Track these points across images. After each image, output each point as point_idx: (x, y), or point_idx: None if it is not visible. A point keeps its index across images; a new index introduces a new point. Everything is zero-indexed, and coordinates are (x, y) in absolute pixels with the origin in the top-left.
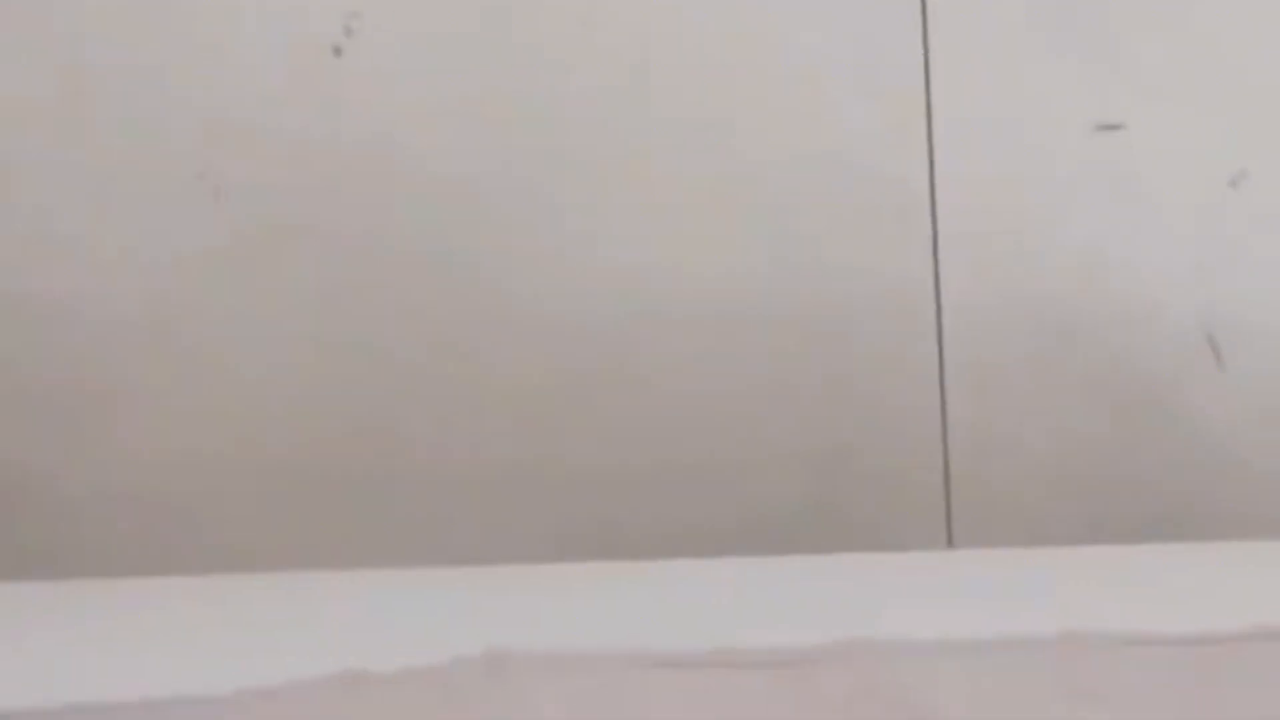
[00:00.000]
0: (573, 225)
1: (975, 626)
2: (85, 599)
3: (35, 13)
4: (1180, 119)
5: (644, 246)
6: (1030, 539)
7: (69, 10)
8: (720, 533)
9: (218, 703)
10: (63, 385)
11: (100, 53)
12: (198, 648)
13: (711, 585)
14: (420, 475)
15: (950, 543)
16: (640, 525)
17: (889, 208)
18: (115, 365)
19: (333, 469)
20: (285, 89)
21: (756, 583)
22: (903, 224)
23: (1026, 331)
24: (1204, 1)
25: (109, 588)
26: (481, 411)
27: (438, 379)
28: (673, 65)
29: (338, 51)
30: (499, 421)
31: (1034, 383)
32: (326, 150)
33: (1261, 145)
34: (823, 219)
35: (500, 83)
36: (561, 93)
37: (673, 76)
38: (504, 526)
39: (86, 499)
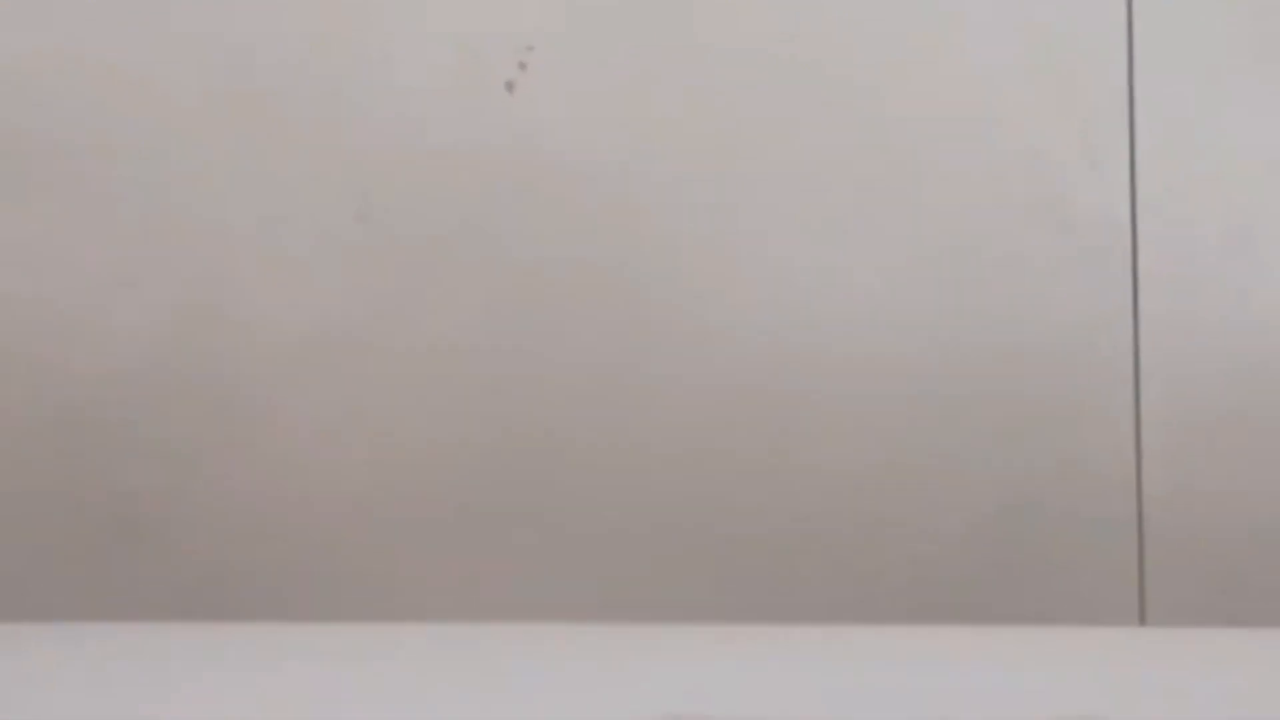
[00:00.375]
0: (743, 260)
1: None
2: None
3: (209, 35)
4: None
5: (816, 280)
6: (1229, 611)
7: (242, 33)
8: (889, 595)
9: None
10: (213, 423)
11: (271, 76)
12: (337, 702)
13: (888, 653)
14: (574, 519)
15: (1143, 618)
16: (806, 585)
17: (1086, 249)
18: (268, 404)
19: (489, 510)
20: (455, 124)
21: (940, 652)
22: (1101, 266)
23: (1229, 383)
24: None
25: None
26: (642, 459)
27: (597, 423)
28: (853, 95)
29: (510, 87)
30: (658, 470)
31: (1237, 439)
32: (491, 189)
33: None
34: (1014, 260)
35: (672, 115)
36: (735, 126)
37: (852, 107)
38: (663, 580)
39: (234, 534)
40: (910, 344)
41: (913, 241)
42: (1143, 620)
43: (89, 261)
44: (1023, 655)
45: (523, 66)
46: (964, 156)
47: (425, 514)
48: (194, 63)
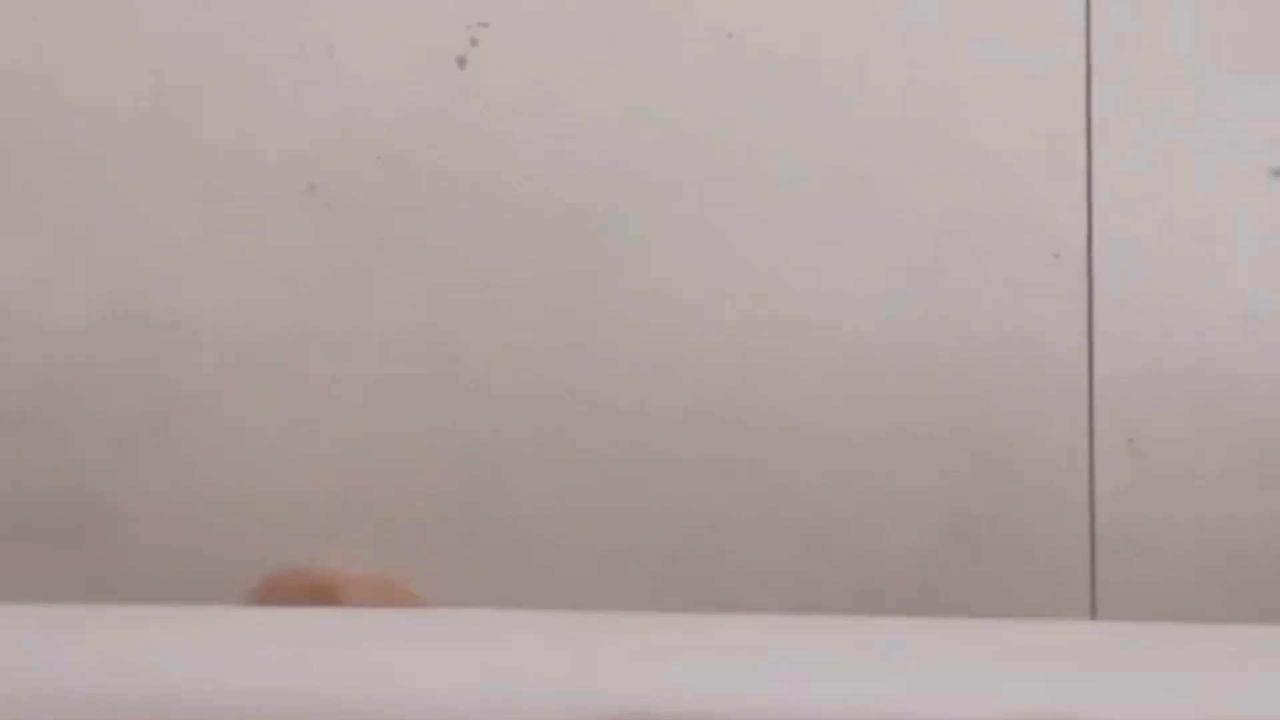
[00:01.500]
0: (701, 257)
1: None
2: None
3: (144, 15)
4: None
5: (776, 280)
6: (1178, 613)
7: (179, 13)
8: (843, 592)
9: None
10: (157, 401)
11: (211, 57)
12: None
13: (856, 644)
14: (525, 511)
15: (1094, 615)
16: (758, 579)
17: (1042, 258)
18: (213, 380)
19: (436, 499)
20: (407, 100)
21: (910, 645)
22: (1057, 276)
23: (1182, 395)
24: None
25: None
26: (593, 450)
27: (549, 410)
28: (816, 94)
29: (461, 63)
30: (611, 462)
31: (1190, 451)
32: (445, 165)
33: None
34: (968, 269)
35: (627, 94)
36: (694, 112)
37: (815, 107)
38: (610, 571)
39: (175, 526)
40: (867, 347)
41: (872, 243)
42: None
43: (23, 252)
44: (978, 649)
45: (474, 43)
46: (925, 161)
47: (377, 507)
48: (131, 48)
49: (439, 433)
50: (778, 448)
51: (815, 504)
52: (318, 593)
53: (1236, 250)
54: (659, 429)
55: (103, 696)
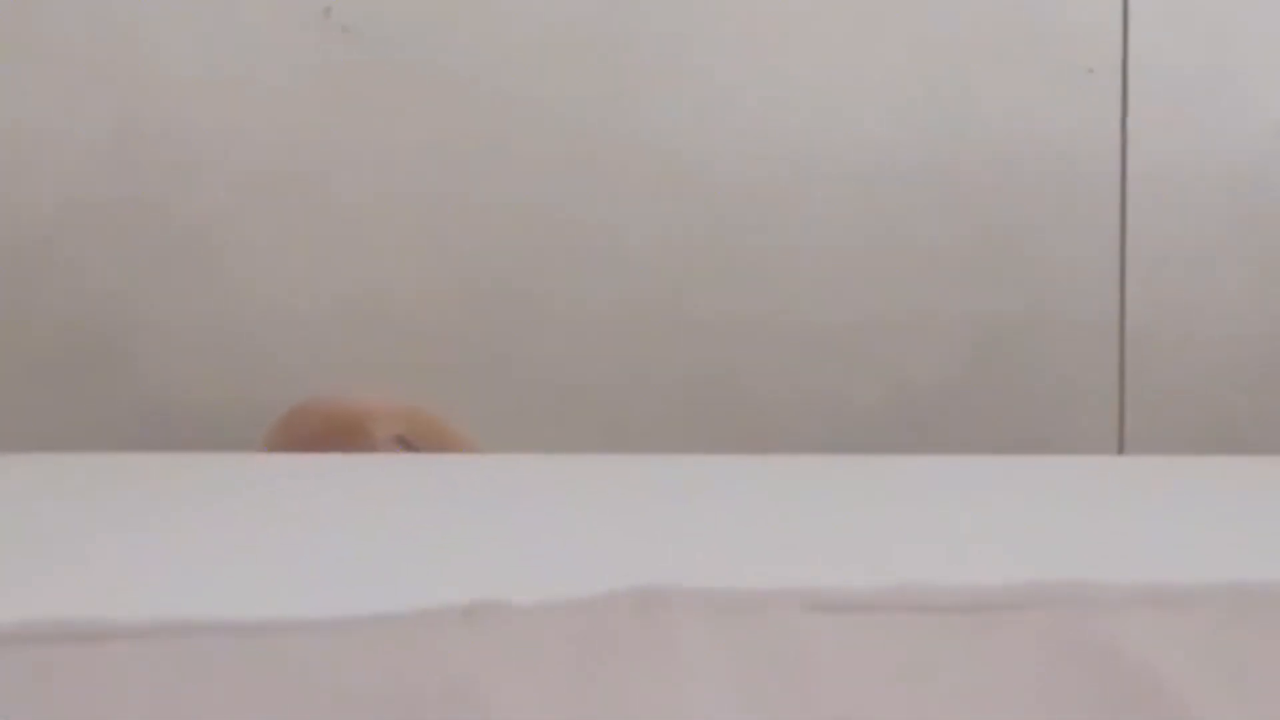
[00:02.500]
0: (718, 68)
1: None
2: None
3: None
4: None
5: (795, 90)
6: (1207, 428)
7: None
8: (865, 403)
9: (333, 631)
10: (174, 216)
11: None
12: (309, 554)
13: (869, 488)
14: (545, 323)
15: (1122, 419)
16: (777, 386)
17: (1076, 59)
18: (227, 197)
19: (450, 317)
20: None
21: (916, 483)
22: (1090, 77)
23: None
24: None
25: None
26: (614, 262)
27: (566, 227)
28: None
29: None
30: (632, 273)
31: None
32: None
33: None
34: (1002, 69)
35: None
36: None
37: None
38: (634, 376)
39: (193, 342)
40: (894, 160)
41: (905, 50)
42: (1121, 446)
43: (37, 83)
44: (1003, 484)
45: None
46: None
47: (383, 353)
48: None
49: (452, 258)
50: (802, 262)
51: (842, 322)
52: (345, 423)
53: (1271, 62)
54: (677, 237)
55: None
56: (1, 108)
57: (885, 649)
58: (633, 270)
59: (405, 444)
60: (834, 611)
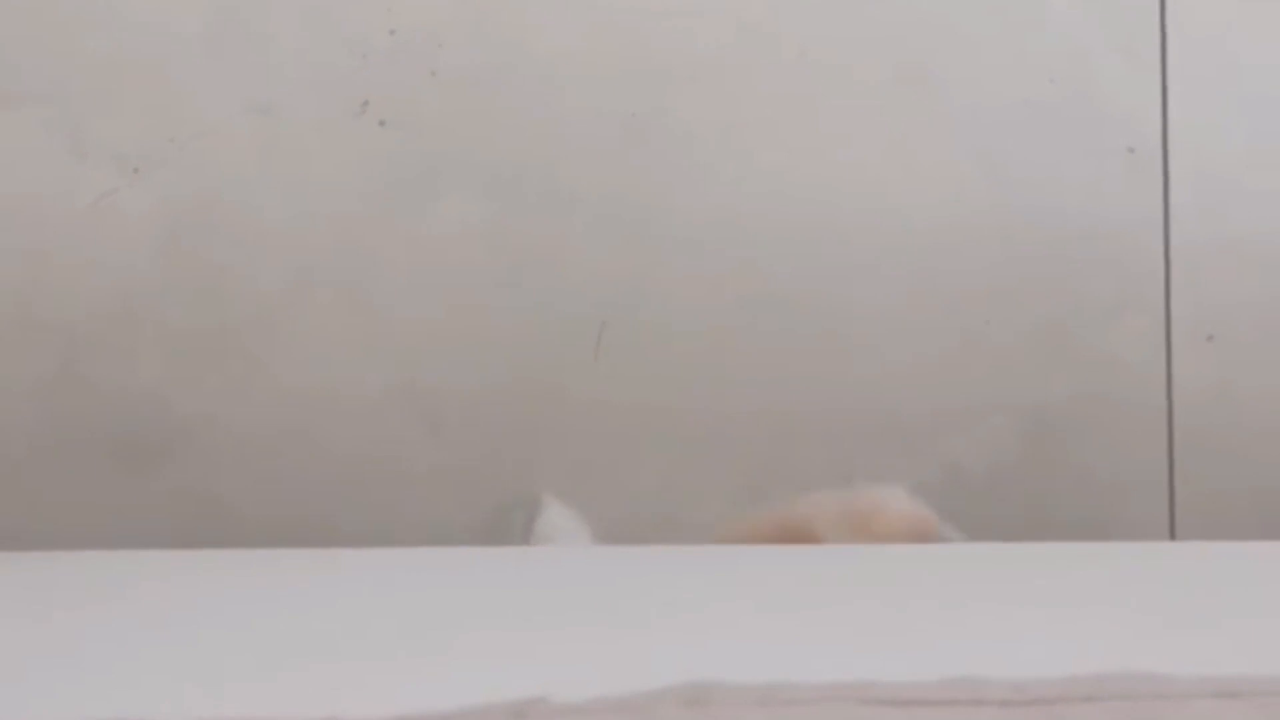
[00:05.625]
0: (766, 149)
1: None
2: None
3: None
4: None
5: (839, 175)
6: (1260, 511)
7: None
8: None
9: None
10: (218, 314)
11: None
12: (343, 658)
13: (920, 577)
14: (581, 418)
15: (1172, 504)
16: (828, 477)
17: (1117, 143)
18: (270, 294)
19: (489, 410)
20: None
21: (966, 571)
22: (1131, 160)
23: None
24: None
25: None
26: (653, 354)
27: (603, 318)
28: None
29: None
30: (672, 366)
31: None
32: (492, 82)
33: None
34: (1046, 153)
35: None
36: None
37: None
38: (675, 475)
39: (241, 438)
40: (939, 242)
41: (951, 136)
42: (1173, 531)
43: (93, 172)
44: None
45: None
46: (1000, 51)
47: (438, 410)
48: None
49: (498, 351)
50: (851, 352)
51: (889, 402)
52: (791, 531)
53: None
54: (720, 327)
55: None
56: (50, 206)
57: None
58: (678, 366)
59: None
60: (890, 705)
